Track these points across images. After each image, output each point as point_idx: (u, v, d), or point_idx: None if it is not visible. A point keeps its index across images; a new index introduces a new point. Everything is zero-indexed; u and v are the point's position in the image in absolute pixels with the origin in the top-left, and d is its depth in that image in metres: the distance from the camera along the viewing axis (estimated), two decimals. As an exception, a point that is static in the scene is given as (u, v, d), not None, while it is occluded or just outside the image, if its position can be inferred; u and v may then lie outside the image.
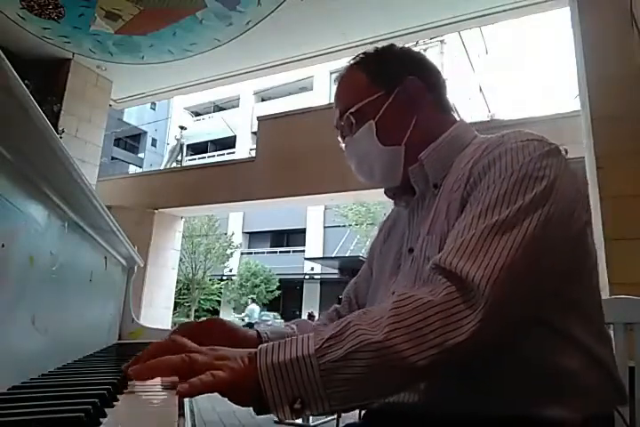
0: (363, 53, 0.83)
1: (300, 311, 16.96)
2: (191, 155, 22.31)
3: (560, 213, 0.59)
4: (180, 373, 0.50)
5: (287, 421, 3.57)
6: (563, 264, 0.60)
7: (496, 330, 0.53)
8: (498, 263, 0.53)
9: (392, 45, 0.83)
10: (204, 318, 0.86)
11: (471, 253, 0.55)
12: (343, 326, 0.53)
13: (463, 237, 0.57)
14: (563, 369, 0.60)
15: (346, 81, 0.82)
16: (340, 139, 0.85)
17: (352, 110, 0.77)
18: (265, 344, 0.53)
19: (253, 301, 13.95)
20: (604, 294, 2.90)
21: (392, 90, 0.76)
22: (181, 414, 0.44)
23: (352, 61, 0.83)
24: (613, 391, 0.64)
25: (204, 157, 21.65)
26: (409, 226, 0.78)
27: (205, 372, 0.49)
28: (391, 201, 0.87)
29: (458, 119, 0.81)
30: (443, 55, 15.99)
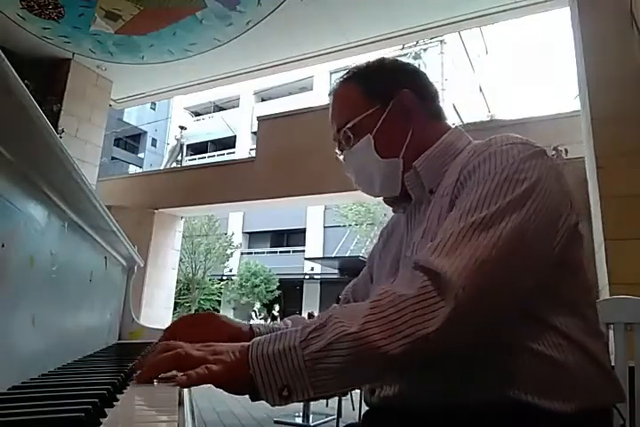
0: (354, 68, 0.84)
1: (300, 311, 16.94)
2: (191, 155, 22.29)
3: (542, 214, 0.60)
4: (179, 367, 0.56)
5: (287, 420, 3.58)
6: (544, 263, 0.61)
7: (467, 320, 0.55)
8: (470, 259, 0.56)
9: (383, 59, 0.85)
10: (201, 313, 0.91)
11: (448, 250, 0.58)
12: (325, 318, 0.57)
13: (442, 237, 0.60)
14: (556, 363, 0.61)
15: (340, 97, 0.84)
16: (337, 151, 0.86)
17: (349, 126, 0.79)
18: (258, 338, 0.58)
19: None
20: (605, 294, 2.90)
21: (387, 104, 0.78)
22: (181, 414, 0.44)
23: (344, 77, 0.84)
24: (609, 387, 0.65)
25: (204, 157, 21.63)
26: (407, 231, 0.80)
27: (201, 365, 0.53)
28: None
29: (452, 126, 0.82)
30: (443, 55, 16.00)
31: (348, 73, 0.84)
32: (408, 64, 0.85)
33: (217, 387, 0.54)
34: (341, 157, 0.86)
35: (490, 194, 0.61)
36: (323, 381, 0.54)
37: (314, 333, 0.56)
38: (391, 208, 0.88)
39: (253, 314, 14.25)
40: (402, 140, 0.78)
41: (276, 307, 14.66)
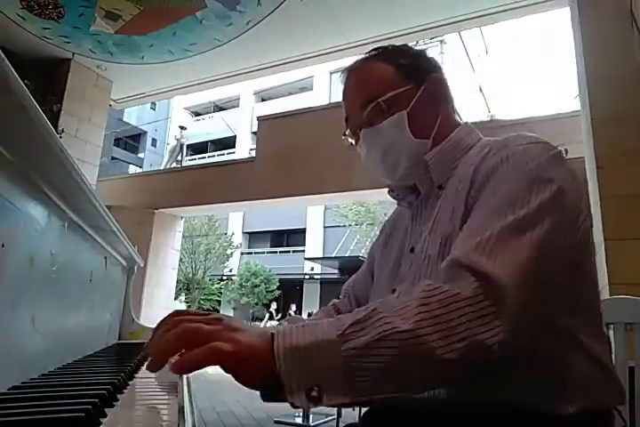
0: (380, 48, 0.81)
1: (301, 311, 16.95)
2: (191, 155, 22.30)
3: (569, 215, 0.60)
4: (187, 345, 0.46)
5: (287, 420, 3.57)
6: (570, 265, 0.60)
7: (524, 331, 0.53)
8: (519, 262, 0.53)
9: (406, 44, 0.83)
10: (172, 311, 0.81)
11: (491, 250, 0.55)
12: (368, 312, 0.51)
13: (480, 236, 0.57)
14: (561, 365, 0.60)
15: (369, 70, 0.79)
16: (347, 132, 0.82)
17: (384, 98, 0.75)
18: (282, 326, 0.50)
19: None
20: (604, 294, 2.90)
21: (420, 84, 0.76)
22: (181, 414, 0.44)
23: (370, 54, 0.81)
24: (611, 388, 0.65)
25: (204, 157, 21.64)
26: (412, 226, 0.78)
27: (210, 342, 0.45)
28: (391, 201, 0.87)
29: (461, 122, 0.81)
30: (443, 55, 15.99)
31: (373, 51, 0.81)
32: (430, 55, 0.84)
33: (226, 371, 0.46)
34: (350, 140, 0.82)
35: (522, 192, 0.59)
36: (360, 383, 0.47)
37: (354, 326, 0.49)
38: (396, 202, 0.86)
39: (268, 315, 14.00)
40: (433, 124, 0.76)
41: (293, 307, 14.35)
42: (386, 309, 0.51)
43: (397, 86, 0.75)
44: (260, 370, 0.46)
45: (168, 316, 0.54)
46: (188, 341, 0.46)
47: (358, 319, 0.50)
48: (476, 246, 0.56)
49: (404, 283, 0.72)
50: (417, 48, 0.83)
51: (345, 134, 0.83)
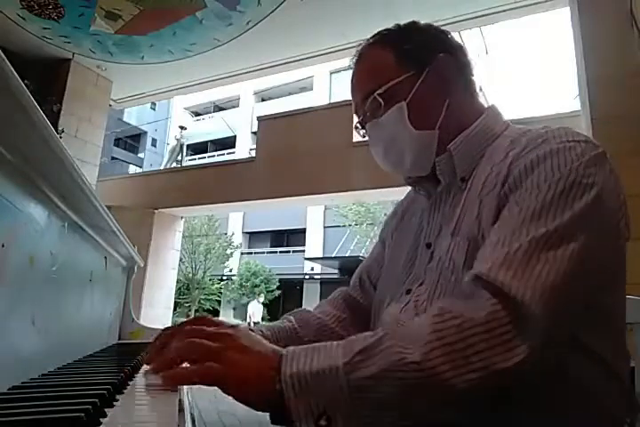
0: (385, 30, 0.76)
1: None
2: (191, 155, 22.29)
3: (607, 225, 0.56)
4: (188, 359, 0.50)
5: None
6: (603, 281, 0.56)
7: (543, 356, 0.48)
8: (546, 282, 0.49)
9: (415, 22, 0.76)
10: (192, 317, 0.83)
11: (517, 268, 0.50)
12: (377, 339, 0.49)
13: (508, 249, 0.52)
14: (582, 384, 0.57)
15: (369, 60, 0.75)
16: (358, 125, 0.78)
17: (380, 91, 0.70)
18: (291, 348, 0.49)
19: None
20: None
21: (423, 69, 0.70)
22: (181, 415, 0.44)
23: (373, 39, 0.76)
24: (628, 406, 0.62)
25: (204, 157, 21.65)
26: (429, 218, 0.73)
27: (211, 360, 0.47)
28: (391, 201, 0.86)
29: (485, 105, 0.75)
30: (443, 55, 15.97)
31: (377, 35, 0.76)
32: (443, 30, 0.76)
33: (225, 392, 0.46)
34: (362, 132, 0.78)
35: (557, 199, 0.54)
36: (368, 411, 0.45)
37: (362, 354, 0.47)
38: (393, 201, 0.84)
39: None
40: (438, 112, 0.70)
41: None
42: (396, 336, 0.49)
43: (395, 76, 0.70)
44: (263, 394, 0.47)
45: (187, 322, 0.57)
46: (189, 355, 0.49)
47: (366, 346, 0.48)
48: (501, 262, 0.51)
49: (423, 285, 0.67)
50: (425, 24, 0.76)
51: (356, 127, 0.79)
